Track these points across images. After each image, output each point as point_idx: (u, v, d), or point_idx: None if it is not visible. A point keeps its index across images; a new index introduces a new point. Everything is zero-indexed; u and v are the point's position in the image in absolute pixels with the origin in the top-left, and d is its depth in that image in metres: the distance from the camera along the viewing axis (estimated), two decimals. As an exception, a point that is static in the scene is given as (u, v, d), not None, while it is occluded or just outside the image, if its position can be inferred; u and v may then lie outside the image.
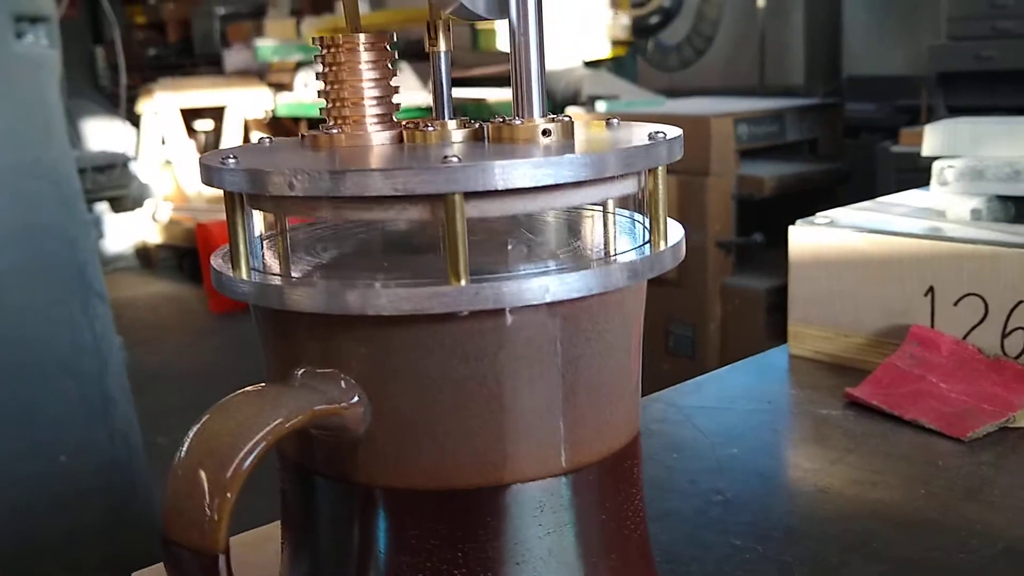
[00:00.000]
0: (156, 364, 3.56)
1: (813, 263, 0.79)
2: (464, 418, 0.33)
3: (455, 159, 0.30)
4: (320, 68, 0.37)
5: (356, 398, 0.33)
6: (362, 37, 0.36)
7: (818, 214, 0.82)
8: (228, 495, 0.30)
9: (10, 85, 1.49)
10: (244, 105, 5.24)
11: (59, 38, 1.65)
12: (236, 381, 0.35)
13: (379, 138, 0.37)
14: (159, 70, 6.31)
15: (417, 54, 3.77)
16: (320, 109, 0.37)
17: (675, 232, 0.36)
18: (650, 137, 0.34)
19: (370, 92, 0.37)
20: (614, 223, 0.38)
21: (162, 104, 5.20)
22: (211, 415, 0.32)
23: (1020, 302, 0.69)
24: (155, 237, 5.17)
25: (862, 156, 3.02)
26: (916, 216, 0.82)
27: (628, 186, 0.35)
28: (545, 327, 0.33)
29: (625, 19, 3.68)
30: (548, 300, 0.31)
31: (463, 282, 0.30)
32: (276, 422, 0.31)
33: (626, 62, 3.82)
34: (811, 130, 2.97)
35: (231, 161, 0.33)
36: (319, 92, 0.37)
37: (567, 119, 0.35)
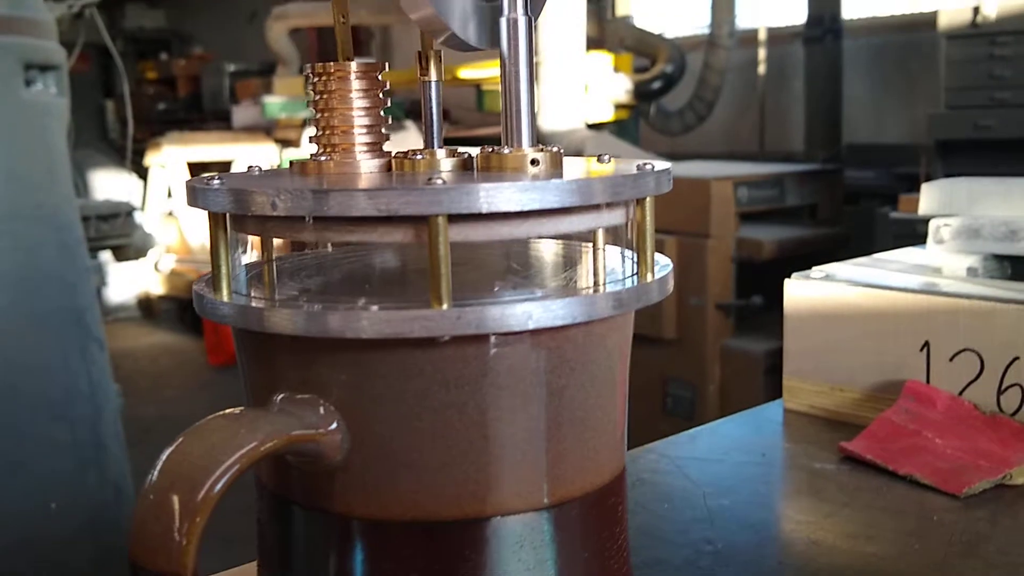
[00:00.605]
0: (153, 415, 3.54)
1: (809, 317, 0.79)
2: (444, 448, 0.32)
3: (440, 181, 0.30)
4: (311, 96, 0.37)
5: (334, 425, 0.32)
6: (353, 65, 0.36)
7: (814, 268, 0.81)
8: (198, 519, 0.30)
9: (16, 130, 1.50)
10: (251, 160, 5.29)
11: (68, 87, 1.67)
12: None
13: (368, 166, 0.37)
14: (168, 124, 6.39)
15: (420, 114, 3.81)
16: (309, 137, 0.37)
17: (663, 265, 0.36)
18: (638, 168, 0.34)
19: (360, 120, 0.37)
20: (602, 256, 0.38)
21: (170, 157, 5.24)
22: (185, 437, 0.31)
23: (1016, 358, 0.68)
24: (157, 288, 5.18)
25: (861, 222, 3.04)
26: (912, 272, 0.82)
27: (616, 217, 0.34)
28: (529, 356, 0.32)
29: (628, 83, 3.73)
30: (531, 327, 0.31)
31: (445, 306, 0.30)
32: (251, 445, 0.31)
33: (629, 125, 3.86)
34: (811, 195, 2.99)
35: (216, 182, 0.32)
36: (309, 120, 0.37)
37: (556, 149, 0.35)
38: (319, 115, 0.37)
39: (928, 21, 3.06)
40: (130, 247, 4.67)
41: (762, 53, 4.35)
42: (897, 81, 4.04)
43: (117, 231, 4.53)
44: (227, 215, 0.33)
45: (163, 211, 5.29)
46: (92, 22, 2.53)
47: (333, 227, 0.32)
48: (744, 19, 4.23)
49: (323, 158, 0.37)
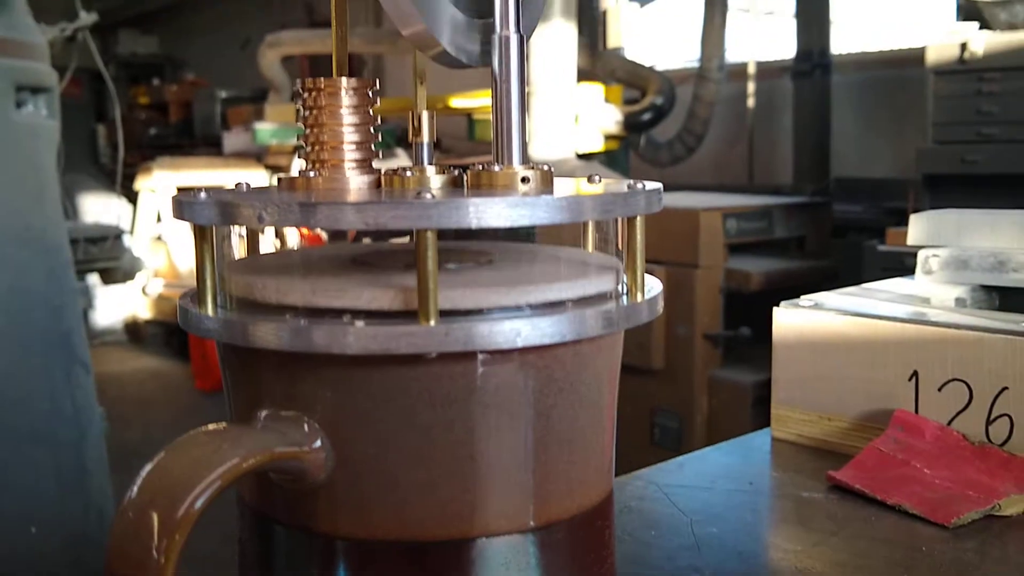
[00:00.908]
0: (138, 440, 3.50)
1: (797, 346, 0.79)
2: (429, 467, 0.32)
3: (429, 196, 0.29)
4: (301, 111, 0.37)
5: (319, 442, 0.32)
6: (344, 81, 0.36)
7: (803, 297, 0.81)
8: (177, 537, 0.29)
9: (6, 152, 1.50)
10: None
11: (59, 110, 1.67)
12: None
13: (357, 182, 0.36)
14: (159, 149, 6.39)
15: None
16: (298, 152, 0.37)
17: (653, 286, 0.36)
18: (628, 187, 0.34)
19: (350, 136, 0.36)
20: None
21: (160, 182, 5.24)
22: (166, 452, 0.31)
23: (1005, 388, 0.68)
24: (145, 312, 5.15)
25: (849, 255, 3.05)
26: (901, 302, 0.82)
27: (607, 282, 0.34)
28: (517, 375, 0.32)
29: (618, 114, 3.75)
30: (520, 344, 0.30)
31: (432, 322, 0.30)
32: (233, 461, 0.30)
33: (618, 156, 3.88)
34: (799, 228, 3.01)
35: (202, 195, 0.32)
36: (298, 135, 0.37)
37: (547, 168, 0.35)
38: (308, 131, 0.37)
39: (916, 57, 3.09)
40: (118, 270, 4.65)
41: (751, 87, 4.39)
42: (885, 116, 4.07)
43: (105, 254, 4.52)
44: (213, 228, 0.33)
45: (152, 235, 5.28)
46: (85, 46, 2.53)
47: (320, 290, 0.31)
48: (733, 53, 4.27)
49: (312, 174, 0.36)
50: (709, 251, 2.62)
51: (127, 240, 4.86)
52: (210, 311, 0.33)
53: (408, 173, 0.36)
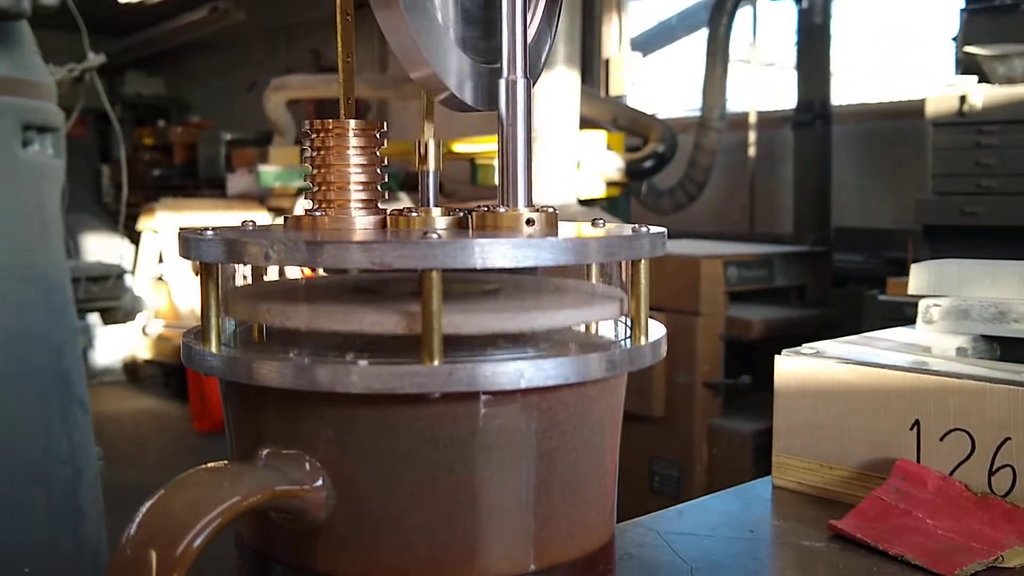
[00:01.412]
0: (134, 481, 3.47)
1: (799, 393, 0.79)
2: (430, 507, 0.32)
3: (435, 236, 0.30)
4: (308, 151, 0.37)
5: (320, 481, 0.32)
6: (352, 123, 0.37)
7: (804, 345, 0.81)
8: (175, 575, 0.29)
9: (11, 190, 1.51)
10: (243, 227, 5.29)
11: (64, 149, 1.68)
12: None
13: (363, 222, 0.36)
14: (163, 190, 6.42)
15: (415, 186, 3.84)
16: (305, 193, 0.37)
17: (656, 331, 0.36)
18: (633, 231, 0.34)
19: (356, 177, 0.37)
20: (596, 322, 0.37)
21: (162, 222, 5.26)
22: (167, 490, 0.30)
23: (1007, 439, 0.68)
24: (144, 352, 5.14)
25: (849, 304, 3.05)
26: (902, 351, 0.82)
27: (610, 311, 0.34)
28: (519, 417, 0.32)
29: (620, 161, 3.77)
30: (523, 386, 0.30)
31: (436, 362, 0.30)
32: (234, 499, 0.30)
33: (620, 203, 3.90)
34: (799, 276, 3.01)
35: (209, 233, 0.32)
36: (305, 176, 0.37)
37: (551, 210, 0.35)
38: (315, 171, 0.37)
39: (916, 109, 3.12)
40: (119, 310, 4.65)
41: (752, 136, 4.42)
42: (885, 167, 4.10)
43: (107, 293, 4.52)
44: (219, 266, 0.33)
45: (153, 275, 5.29)
46: (92, 87, 2.56)
47: (324, 312, 0.31)
48: (735, 103, 4.31)
49: (318, 213, 0.37)
50: (710, 299, 2.62)
51: (128, 280, 4.86)
52: (214, 348, 0.33)
53: (414, 214, 0.36)
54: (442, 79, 0.35)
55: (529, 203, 0.35)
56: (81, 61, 2.34)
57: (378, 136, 0.38)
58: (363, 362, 0.30)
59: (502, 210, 0.34)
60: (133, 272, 5.12)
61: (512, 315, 0.30)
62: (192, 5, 6.57)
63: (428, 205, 0.39)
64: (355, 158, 0.37)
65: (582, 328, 0.36)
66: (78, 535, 1.53)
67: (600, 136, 3.75)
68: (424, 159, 0.37)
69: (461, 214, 0.37)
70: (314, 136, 0.37)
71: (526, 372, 0.30)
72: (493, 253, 0.30)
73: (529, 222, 0.34)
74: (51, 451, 1.49)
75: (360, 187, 0.37)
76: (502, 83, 0.34)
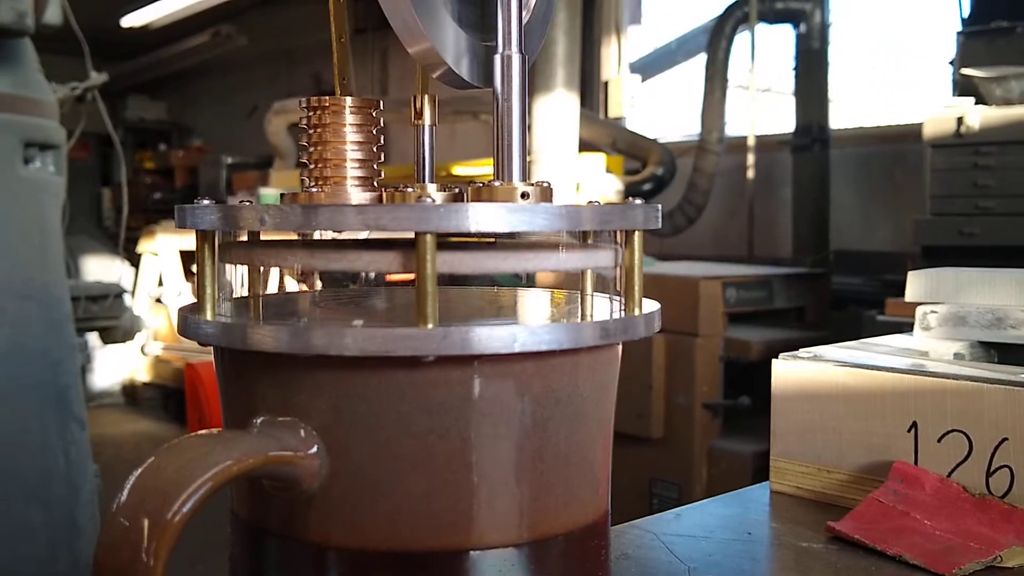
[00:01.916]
0: (128, 504, 3.46)
1: (796, 397, 0.79)
2: (424, 475, 0.32)
3: (429, 200, 0.30)
4: (305, 128, 0.37)
5: (314, 448, 0.32)
6: (348, 100, 0.37)
7: (802, 349, 0.81)
8: (167, 538, 0.29)
9: (12, 206, 1.51)
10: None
11: (65, 167, 1.69)
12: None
13: (359, 198, 0.37)
14: (163, 214, 6.43)
15: (416, 208, 3.83)
16: (301, 171, 0.38)
17: (650, 304, 0.36)
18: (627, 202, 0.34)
19: (353, 154, 0.37)
20: (591, 294, 0.38)
21: (163, 245, 5.27)
22: (158, 454, 0.30)
23: (1005, 439, 0.67)
24: (143, 375, 5.13)
25: (848, 326, 3.05)
26: (900, 355, 0.82)
27: (605, 259, 0.34)
28: (514, 384, 0.32)
29: (619, 184, 3.78)
30: (517, 349, 0.30)
31: (431, 325, 0.30)
32: (226, 463, 0.30)
33: (619, 225, 3.90)
34: (798, 298, 3.01)
35: (205, 201, 0.33)
36: (301, 153, 0.38)
37: (547, 184, 0.35)
38: (312, 148, 0.37)
39: (913, 132, 3.14)
40: (118, 329, 4.64)
41: (751, 159, 4.44)
42: (883, 190, 4.11)
43: (106, 312, 4.51)
44: (215, 235, 0.33)
45: (152, 297, 5.29)
46: (94, 110, 2.57)
47: (319, 254, 0.32)
48: (733, 127, 4.33)
49: (314, 189, 0.37)
50: (709, 320, 2.62)
51: (128, 299, 4.86)
52: (209, 316, 0.33)
53: (409, 189, 0.37)
54: (439, 53, 0.35)
55: (524, 178, 0.35)
56: (83, 81, 2.35)
57: (375, 114, 0.38)
58: (358, 323, 0.30)
59: (497, 184, 0.35)
60: (133, 294, 5.12)
61: (507, 255, 0.30)
62: (194, 30, 6.62)
63: (423, 165, 0.39)
64: (351, 135, 0.37)
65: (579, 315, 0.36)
66: (74, 551, 1.52)
67: (599, 159, 3.77)
68: (420, 114, 0.37)
69: (457, 190, 0.37)
70: (311, 113, 0.37)
71: (520, 336, 0.30)
72: (487, 216, 0.30)
73: (524, 195, 0.34)
74: (49, 467, 1.49)
75: (356, 164, 0.37)
76: (497, 58, 0.35)
